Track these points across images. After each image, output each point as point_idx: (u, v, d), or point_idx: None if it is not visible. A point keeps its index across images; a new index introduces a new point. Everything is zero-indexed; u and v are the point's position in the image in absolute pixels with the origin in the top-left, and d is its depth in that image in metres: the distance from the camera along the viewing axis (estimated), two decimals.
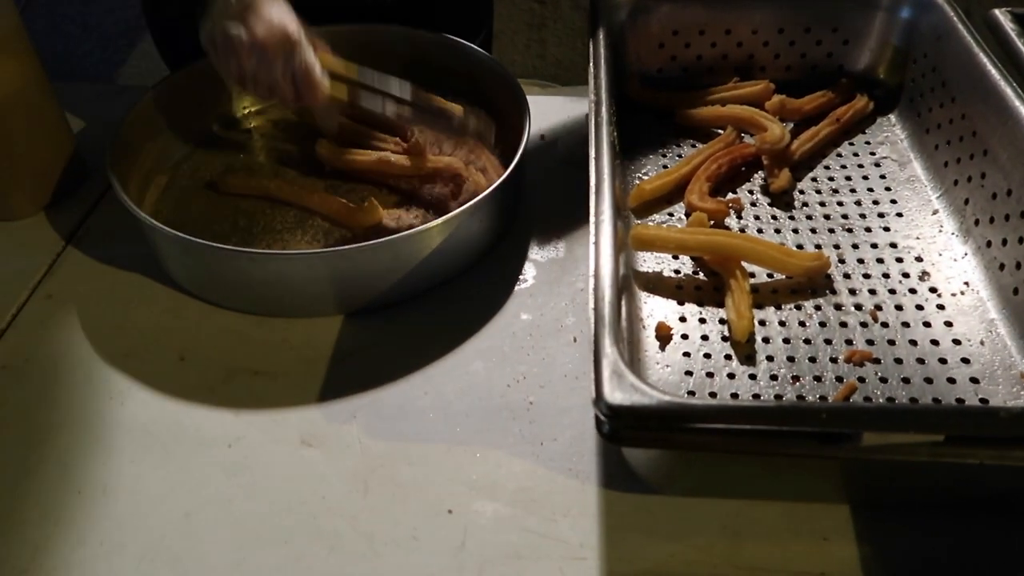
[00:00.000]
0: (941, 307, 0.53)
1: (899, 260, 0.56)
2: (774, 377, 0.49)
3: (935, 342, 0.51)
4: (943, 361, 0.50)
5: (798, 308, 0.53)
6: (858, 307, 0.53)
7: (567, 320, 0.57)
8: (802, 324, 0.52)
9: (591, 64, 0.62)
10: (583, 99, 0.74)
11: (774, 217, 0.60)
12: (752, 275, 0.55)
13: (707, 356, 0.51)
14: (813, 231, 0.59)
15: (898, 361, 0.50)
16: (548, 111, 0.75)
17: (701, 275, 0.56)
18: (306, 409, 0.52)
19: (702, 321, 0.53)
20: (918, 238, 0.58)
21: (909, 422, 0.37)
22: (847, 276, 0.55)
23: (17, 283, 0.61)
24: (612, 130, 0.55)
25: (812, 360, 0.50)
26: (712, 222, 0.59)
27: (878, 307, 0.53)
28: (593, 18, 0.66)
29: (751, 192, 0.63)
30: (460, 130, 0.64)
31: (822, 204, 0.61)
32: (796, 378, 0.49)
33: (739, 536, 0.44)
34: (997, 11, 0.60)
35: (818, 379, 0.49)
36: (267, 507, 0.47)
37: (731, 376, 0.49)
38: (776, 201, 0.62)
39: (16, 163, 0.65)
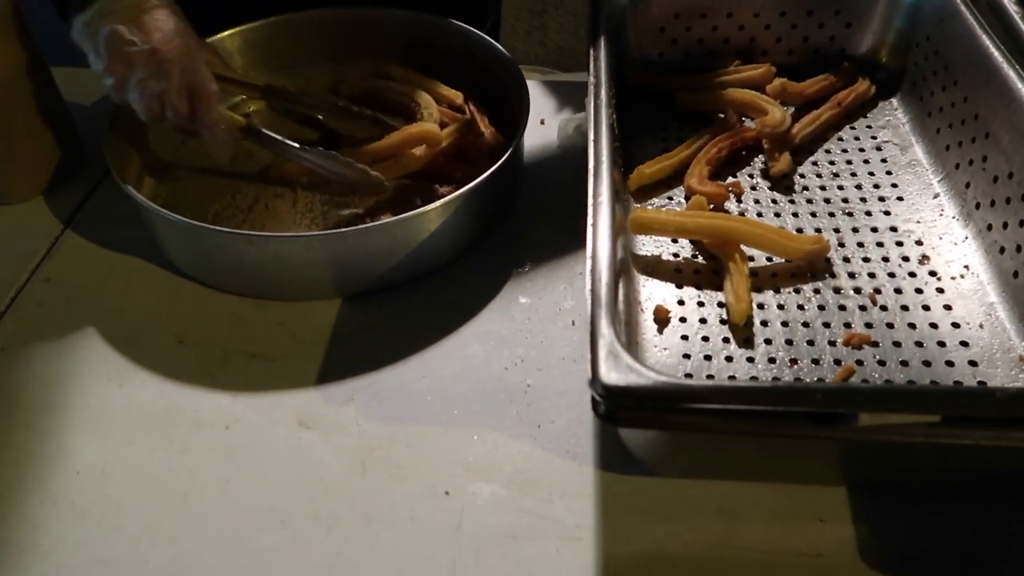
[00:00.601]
0: (940, 290, 0.53)
1: (899, 244, 0.56)
2: (772, 360, 0.49)
3: (934, 325, 0.50)
4: (942, 344, 0.49)
5: (797, 291, 0.53)
6: (857, 290, 0.53)
7: (565, 304, 0.57)
8: (801, 307, 0.52)
9: (591, 47, 0.61)
10: (583, 84, 0.73)
11: (774, 201, 0.60)
12: (751, 259, 0.55)
13: (705, 339, 0.50)
14: (813, 215, 0.59)
15: (896, 344, 0.50)
16: (548, 95, 0.75)
17: (700, 258, 0.56)
18: (304, 392, 0.52)
19: (700, 304, 0.53)
20: (918, 222, 0.58)
21: (905, 402, 0.36)
22: (846, 260, 0.55)
23: (15, 266, 0.61)
24: (611, 113, 0.55)
25: (810, 343, 0.50)
26: (712, 206, 0.58)
27: (877, 290, 0.53)
28: (594, 1, 0.66)
29: (751, 176, 0.62)
30: (353, 187, 0.61)
31: (822, 188, 0.61)
32: (794, 361, 0.49)
33: (735, 517, 0.44)
34: None
35: (816, 362, 0.49)
36: (265, 489, 0.47)
37: (729, 359, 0.49)
38: (776, 185, 0.61)
39: (14, 147, 0.64)
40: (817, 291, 0.53)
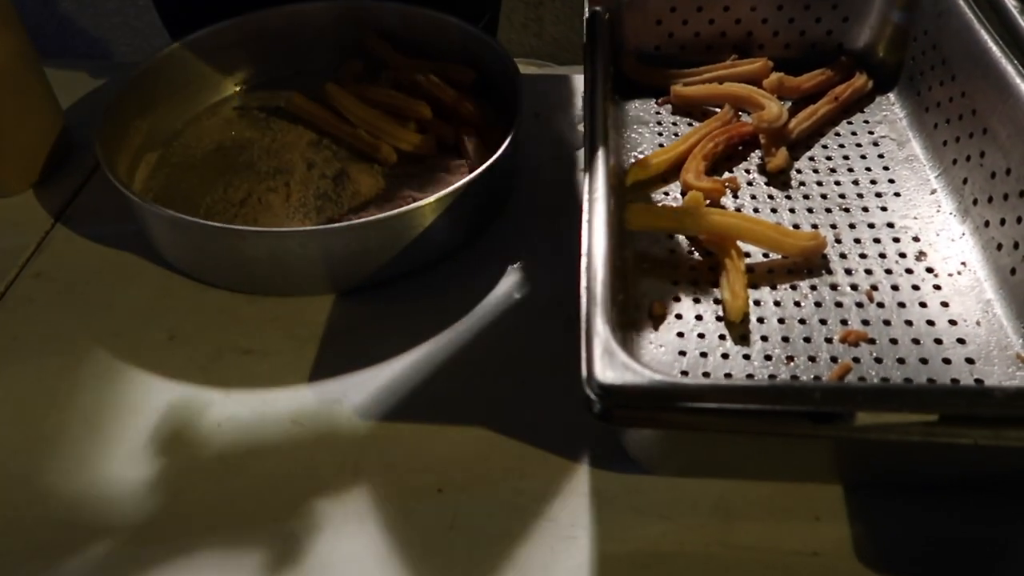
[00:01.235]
0: (938, 287, 0.52)
1: (896, 240, 0.56)
2: (768, 357, 0.49)
3: (931, 322, 0.50)
4: (939, 341, 0.49)
5: (793, 288, 0.53)
6: (854, 287, 0.53)
7: (561, 300, 0.56)
8: (797, 304, 0.52)
9: (586, 41, 0.61)
10: (579, 77, 0.73)
11: (771, 196, 0.60)
12: (748, 255, 0.55)
13: (701, 336, 0.50)
14: (810, 211, 0.59)
15: (893, 341, 0.49)
16: (544, 89, 0.74)
17: (696, 255, 0.56)
18: (297, 388, 0.51)
19: (696, 301, 0.52)
20: (915, 218, 0.57)
21: (903, 401, 0.36)
22: (843, 256, 0.55)
23: (5, 261, 0.60)
24: (607, 108, 0.55)
25: (807, 340, 0.50)
26: (708, 201, 0.58)
27: (874, 287, 0.53)
28: None
29: (748, 171, 0.62)
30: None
31: (819, 183, 0.61)
32: (790, 358, 0.49)
33: (731, 516, 0.44)
34: None
35: (813, 359, 0.49)
36: (256, 487, 0.46)
37: (725, 356, 0.49)
38: (773, 180, 0.61)
39: (3, 140, 0.64)
40: (814, 288, 0.53)
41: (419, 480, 0.46)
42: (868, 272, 0.54)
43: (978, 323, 0.50)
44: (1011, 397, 0.35)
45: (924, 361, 0.48)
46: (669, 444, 0.44)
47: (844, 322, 0.51)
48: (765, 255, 0.55)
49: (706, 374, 0.48)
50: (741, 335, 0.50)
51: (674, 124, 0.66)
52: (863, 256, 0.55)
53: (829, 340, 0.50)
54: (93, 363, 0.53)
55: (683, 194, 0.59)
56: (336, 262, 0.56)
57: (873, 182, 0.60)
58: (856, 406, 0.36)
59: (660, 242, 0.56)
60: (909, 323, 0.50)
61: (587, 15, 0.63)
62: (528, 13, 1.82)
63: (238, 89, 0.74)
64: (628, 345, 0.46)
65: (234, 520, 0.45)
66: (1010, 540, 0.43)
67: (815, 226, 0.57)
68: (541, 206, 0.64)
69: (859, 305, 0.51)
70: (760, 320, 0.51)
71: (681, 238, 0.57)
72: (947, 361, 0.48)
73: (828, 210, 0.58)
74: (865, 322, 0.50)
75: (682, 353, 0.49)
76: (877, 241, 0.56)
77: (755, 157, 0.63)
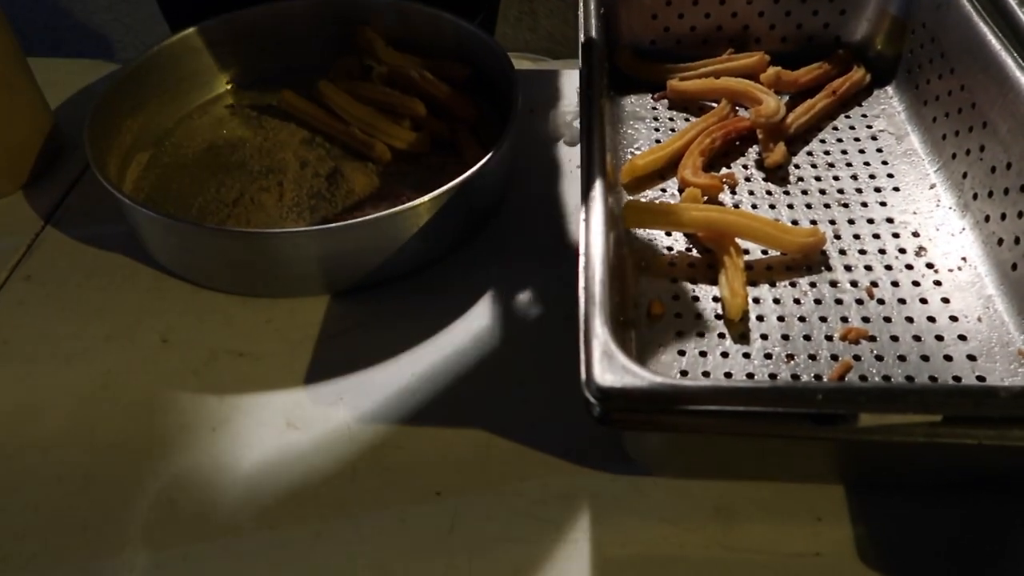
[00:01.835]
0: (938, 283, 0.52)
1: (896, 235, 0.55)
2: (768, 356, 0.48)
3: (932, 319, 0.50)
4: (940, 338, 0.49)
5: (793, 285, 0.52)
6: (854, 284, 0.52)
7: (559, 299, 0.56)
8: (797, 302, 0.51)
9: (581, 35, 0.60)
10: (574, 72, 0.72)
11: (769, 192, 0.59)
12: (746, 252, 0.54)
13: (700, 335, 0.50)
14: (808, 206, 0.58)
15: (894, 339, 0.49)
16: (538, 85, 0.74)
17: (694, 252, 0.55)
18: (292, 391, 0.51)
19: (695, 299, 0.52)
20: (915, 213, 0.57)
21: (907, 402, 0.36)
22: (843, 252, 0.54)
23: None
24: (603, 104, 0.54)
25: (807, 338, 0.49)
26: (706, 198, 0.58)
27: (874, 284, 0.52)
28: None
29: (745, 167, 0.61)
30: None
31: (817, 179, 0.60)
32: (791, 356, 0.48)
33: (733, 517, 0.44)
34: None
35: (813, 357, 0.48)
36: (252, 492, 0.46)
37: (724, 355, 0.48)
38: (771, 176, 0.61)
39: None
40: (813, 285, 0.52)
41: (417, 483, 0.46)
42: (868, 268, 0.53)
43: (979, 319, 0.49)
44: (1016, 396, 0.35)
45: (925, 358, 0.48)
46: (669, 445, 0.44)
47: (844, 319, 0.50)
48: (764, 252, 0.54)
49: (706, 374, 0.48)
50: (740, 333, 0.50)
51: (671, 120, 0.66)
52: (863, 252, 0.54)
53: (829, 338, 0.49)
54: (85, 367, 0.52)
55: (680, 191, 0.59)
56: (330, 263, 0.55)
57: (872, 177, 0.60)
58: (859, 407, 0.36)
59: (658, 240, 0.56)
60: (910, 320, 0.50)
61: (581, 9, 0.63)
62: (522, 7, 1.81)
63: (229, 87, 0.73)
64: (627, 346, 0.46)
65: (228, 526, 0.44)
66: (1012, 540, 0.43)
67: (814, 222, 0.57)
68: (537, 204, 0.63)
69: (859, 302, 0.51)
70: (759, 318, 0.50)
71: (679, 236, 0.56)
72: (948, 358, 0.48)
73: (827, 206, 0.58)
74: (865, 319, 0.50)
75: (681, 353, 0.49)
76: (877, 237, 0.55)
77: (753, 153, 0.63)
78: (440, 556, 0.43)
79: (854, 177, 0.60)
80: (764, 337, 0.49)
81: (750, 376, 0.47)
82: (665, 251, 0.55)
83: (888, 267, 0.53)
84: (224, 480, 0.46)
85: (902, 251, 0.54)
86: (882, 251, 0.54)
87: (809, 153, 0.62)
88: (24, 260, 0.60)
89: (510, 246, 0.60)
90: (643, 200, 0.59)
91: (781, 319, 0.50)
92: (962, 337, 0.49)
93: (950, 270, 0.53)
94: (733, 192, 0.59)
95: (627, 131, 0.64)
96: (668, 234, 0.56)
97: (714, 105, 0.65)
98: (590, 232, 0.44)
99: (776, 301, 0.51)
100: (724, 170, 0.61)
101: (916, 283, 0.52)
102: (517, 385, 0.51)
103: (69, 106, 0.73)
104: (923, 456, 0.42)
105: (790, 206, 0.58)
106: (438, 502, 0.45)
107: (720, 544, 0.43)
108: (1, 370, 0.53)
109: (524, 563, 0.42)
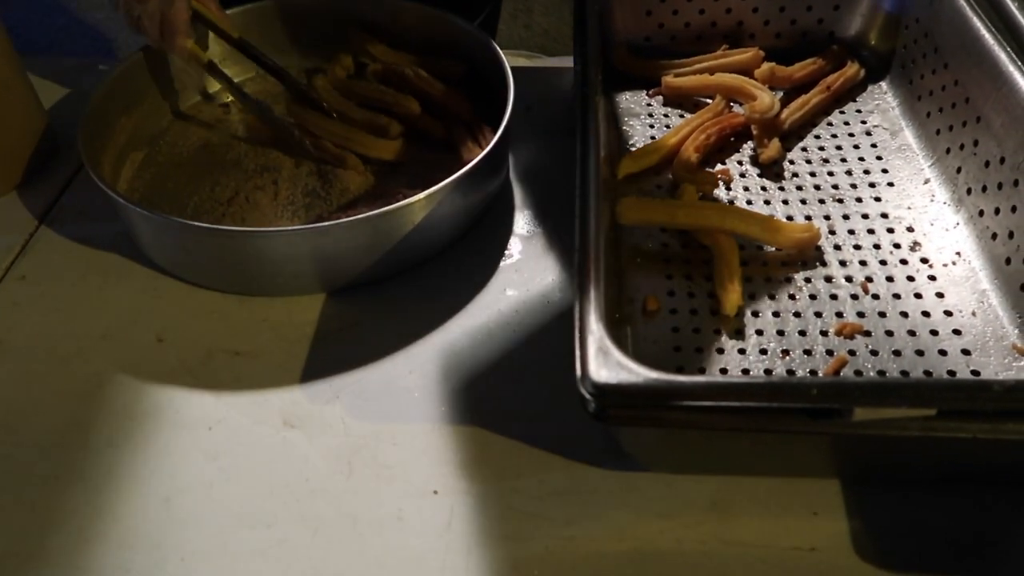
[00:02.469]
0: (932, 278, 0.52)
1: (890, 230, 0.55)
2: (763, 351, 0.48)
3: (926, 313, 0.50)
4: (934, 333, 0.49)
5: (788, 281, 0.53)
6: (848, 279, 0.52)
7: (554, 296, 0.56)
8: (792, 297, 0.52)
9: (576, 32, 0.60)
10: (569, 69, 0.72)
11: (763, 188, 0.59)
12: (742, 247, 0.54)
13: (696, 331, 0.50)
14: (803, 202, 0.58)
15: (889, 333, 0.49)
16: (533, 82, 0.74)
17: (689, 248, 0.55)
18: (288, 390, 0.51)
19: (691, 295, 0.52)
20: (909, 208, 0.57)
21: (901, 396, 0.36)
22: (837, 247, 0.54)
23: None
24: (598, 100, 0.54)
25: (802, 333, 0.49)
26: (701, 194, 0.58)
27: (869, 279, 0.52)
28: None
29: (740, 163, 0.62)
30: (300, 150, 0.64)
31: (812, 174, 0.60)
32: (786, 352, 0.48)
33: (728, 512, 0.44)
34: None
35: (808, 353, 0.48)
36: (249, 490, 0.46)
37: (720, 351, 0.49)
38: (766, 172, 0.61)
39: None
40: (808, 280, 0.53)
41: (414, 481, 0.46)
42: (863, 263, 0.53)
43: (974, 313, 0.50)
44: (1009, 390, 0.35)
45: (920, 353, 0.48)
46: (664, 441, 0.44)
47: (839, 314, 0.50)
48: (759, 248, 0.55)
49: (701, 369, 0.48)
50: (736, 329, 0.50)
51: (665, 116, 0.66)
52: (857, 247, 0.54)
53: (824, 333, 0.49)
54: (81, 367, 0.52)
55: (675, 187, 0.59)
56: (326, 261, 0.55)
57: (866, 172, 0.60)
58: (854, 402, 0.36)
59: (653, 236, 0.56)
60: (904, 315, 0.50)
61: (576, 6, 0.63)
62: (517, 4, 1.81)
63: (222, 87, 0.73)
64: (622, 342, 0.46)
65: (226, 525, 0.44)
66: (1006, 533, 0.43)
67: (809, 217, 0.57)
68: (532, 201, 0.63)
69: (854, 297, 0.51)
70: (755, 314, 0.50)
71: (674, 232, 0.56)
72: (943, 352, 0.48)
73: (821, 201, 0.58)
74: (860, 314, 0.50)
75: (677, 349, 0.49)
76: (871, 232, 0.55)
77: (747, 148, 0.63)
78: (438, 554, 0.43)
79: (849, 172, 0.60)
80: (759, 333, 0.49)
81: (745, 371, 0.47)
82: (660, 247, 0.55)
83: (883, 262, 0.53)
84: (220, 479, 0.46)
85: (897, 246, 0.54)
86: (877, 246, 0.54)
87: (804, 149, 0.63)
88: (19, 260, 0.60)
89: (505, 243, 0.60)
90: (638, 196, 0.59)
91: (776, 314, 0.50)
92: (957, 331, 0.49)
93: (944, 265, 0.53)
94: (728, 188, 0.59)
95: (622, 128, 0.64)
96: (663, 230, 0.56)
97: (709, 101, 0.65)
98: (585, 229, 0.44)
99: (771, 296, 0.52)
100: (719, 166, 0.61)
101: (911, 278, 0.52)
102: (513, 382, 0.51)
103: (63, 105, 0.73)
104: (917, 450, 0.42)
105: (785, 202, 0.58)
106: (436, 499, 0.45)
107: (716, 539, 0.43)
108: None
109: (522, 561, 0.42)
